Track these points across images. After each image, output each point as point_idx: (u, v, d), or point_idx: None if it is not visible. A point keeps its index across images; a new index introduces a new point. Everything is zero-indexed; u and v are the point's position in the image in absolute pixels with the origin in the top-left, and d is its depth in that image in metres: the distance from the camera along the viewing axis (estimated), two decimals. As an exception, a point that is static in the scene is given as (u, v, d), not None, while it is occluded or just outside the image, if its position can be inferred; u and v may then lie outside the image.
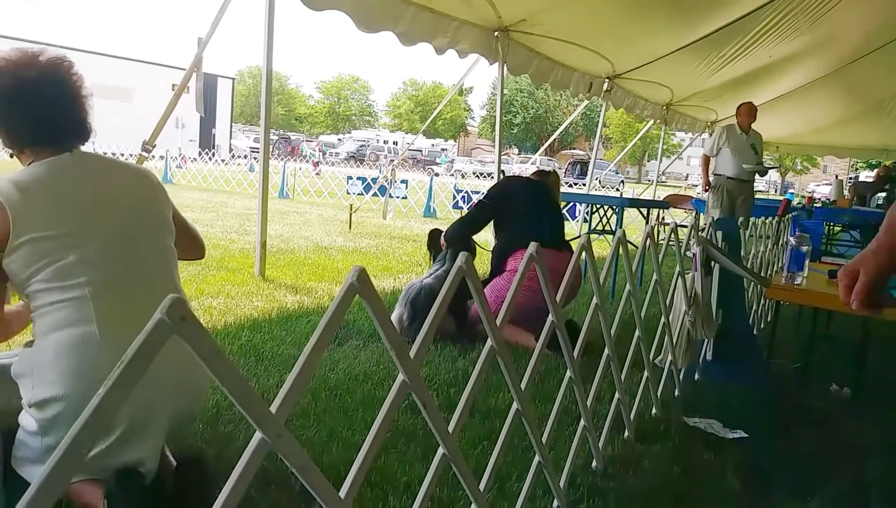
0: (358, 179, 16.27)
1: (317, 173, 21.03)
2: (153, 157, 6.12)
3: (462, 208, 13.06)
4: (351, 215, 9.85)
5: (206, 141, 39.30)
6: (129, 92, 33.13)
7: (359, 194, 14.40)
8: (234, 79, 49.85)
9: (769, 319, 4.69)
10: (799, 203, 10.69)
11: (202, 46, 5.10)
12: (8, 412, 1.78)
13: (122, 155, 12.57)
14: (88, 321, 1.68)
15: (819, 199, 15.34)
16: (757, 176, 8.28)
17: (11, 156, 1.89)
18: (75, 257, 1.70)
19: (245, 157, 30.98)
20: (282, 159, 25.69)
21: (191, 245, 2.14)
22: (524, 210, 4.00)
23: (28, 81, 1.76)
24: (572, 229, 10.15)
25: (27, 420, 1.73)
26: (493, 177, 8.99)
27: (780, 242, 5.51)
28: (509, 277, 3.82)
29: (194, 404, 1.96)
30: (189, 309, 0.73)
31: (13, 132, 1.82)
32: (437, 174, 17.76)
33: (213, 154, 24.98)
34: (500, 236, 4.14)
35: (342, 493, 1.07)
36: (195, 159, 24.62)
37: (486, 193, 4.26)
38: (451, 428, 1.41)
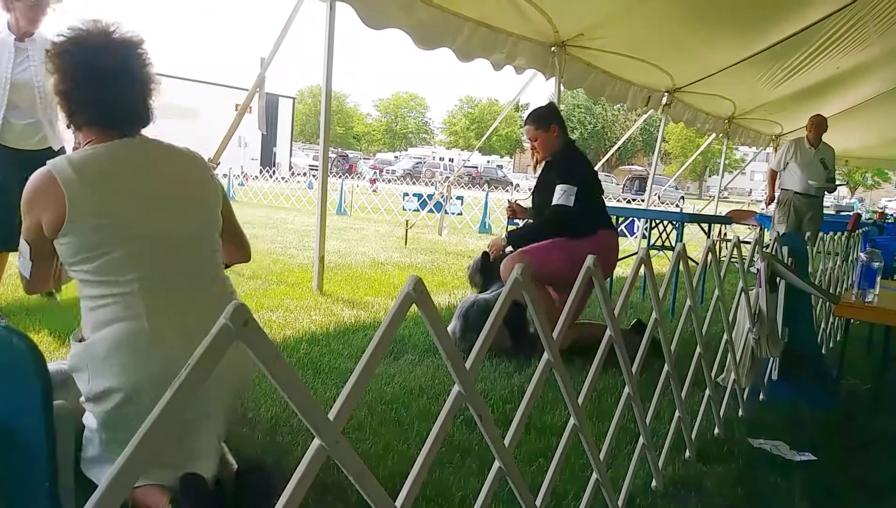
0: (414, 195, 16.41)
1: (373, 190, 21.31)
2: (217, 174, 6.29)
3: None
4: (407, 230, 9.93)
5: (268, 159, 40.32)
6: (195, 112, 34.31)
7: (414, 211, 14.52)
8: (294, 98, 51.10)
9: (838, 338, 4.51)
10: (870, 218, 10.27)
11: (264, 67, 5.25)
12: (74, 413, 1.84)
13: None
14: (139, 317, 1.71)
15: (891, 214, 14.72)
16: (826, 192, 8.00)
17: (68, 126, 1.88)
18: (124, 251, 1.72)
19: (304, 174, 31.65)
20: (340, 177, 26.14)
21: (237, 247, 2.14)
22: (594, 189, 3.94)
23: (100, 57, 1.77)
24: (630, 245, 9.99)
25: (88, 419, 1.80)
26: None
27: (850, 258, 5.31)
28: (588, 246, 3.45)
29: (243, 388, 1.99)
30: (251, 315, 0.75)
31: (76, 107, 1.81)
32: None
33: (274, 172, 25.59)
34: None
35: (398, 503, 1.07)
36: (256, 177, 25.27)
37: (566, 177, 3.79)
38: (506, 442, 1.40)
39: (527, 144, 4.13)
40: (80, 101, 1.81)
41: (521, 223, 4.56)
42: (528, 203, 4.39)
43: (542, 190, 4.01)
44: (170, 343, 1.72)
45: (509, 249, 3.95)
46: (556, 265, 3.64)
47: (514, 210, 4.33)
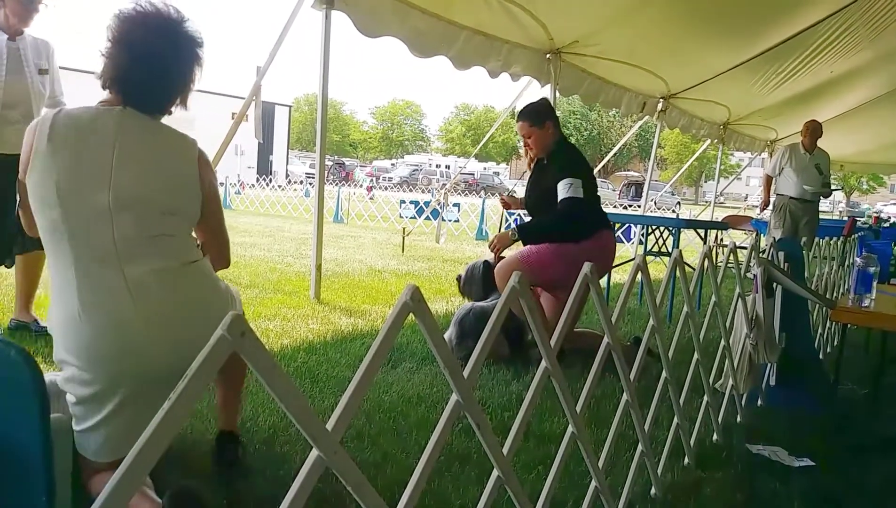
0: (411, 203, 16.41)
1: (370, 198, 21.32)
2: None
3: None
4: (404, 238, 9.92)
5: (264, 167, 40.32)
6: (191, 121, 34.37)
7: (411, 218, 14.53)
8: (290, 106, 51.10)
9: (835, 343, 4.51)
10: (865, 223, 10.29)
11: (261, 75, 5.25)
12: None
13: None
14: (72, 302, 1.72)
15: (887, 218, 14.76)
16: (822, 197, 8.02)
17: (98, 78, 1.86)
18: (67, 222, 1.71)
19: (301, 182, 31.67)
20: (336, 185, 26.16)
21: (215, 251, 2.06)
22: (593, 186, 3.82)
23: (161, 40, 1.80)
24: (627, 251, 10.00)
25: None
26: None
27: (847, 263, 5.32)
28: (588, 249, 3.60)
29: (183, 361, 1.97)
30: (248, 325, 0.75)
31: (112, 71, 1.81)
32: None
33: (271, 180, 25.60)
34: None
35: (397, 513, 1.07)
36: (253, 185, 25.24)
37: (570, 172, 3.70)
38: (505, 450, 1.40)
39: (520, 143, 4.03)
40: (119, 68, 1.80)
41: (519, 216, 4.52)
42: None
43: (537, 188, 3.94)
44: (98, 329, 1.72)
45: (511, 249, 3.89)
46: (553, 271, 3.64)
47: (506, 202, 4.29)
